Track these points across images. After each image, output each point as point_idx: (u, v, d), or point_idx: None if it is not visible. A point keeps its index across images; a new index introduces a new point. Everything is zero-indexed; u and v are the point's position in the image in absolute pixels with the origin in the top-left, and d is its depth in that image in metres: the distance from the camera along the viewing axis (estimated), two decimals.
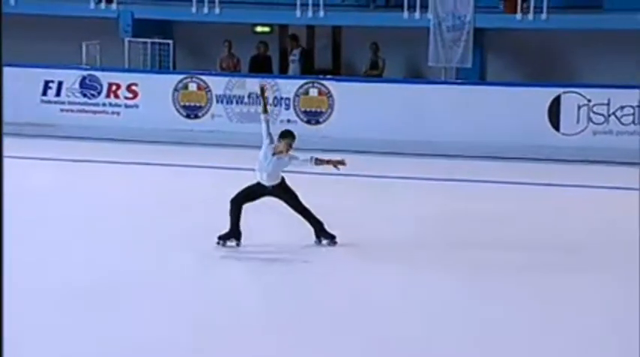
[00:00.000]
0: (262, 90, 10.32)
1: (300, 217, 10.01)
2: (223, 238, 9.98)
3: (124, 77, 17.57)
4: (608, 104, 16.32)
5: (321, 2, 17.85)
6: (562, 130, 16.40)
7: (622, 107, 16.25)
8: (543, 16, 17.22)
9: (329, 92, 17.23)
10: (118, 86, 17.46)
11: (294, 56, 18.75)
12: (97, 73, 17.60)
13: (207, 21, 18.47)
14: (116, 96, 17.48)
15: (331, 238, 10.09)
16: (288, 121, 17.22)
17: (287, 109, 17.25)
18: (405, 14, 17.74)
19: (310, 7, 17.88)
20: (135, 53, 18.40)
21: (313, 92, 17.28)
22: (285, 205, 10.03)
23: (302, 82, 17.45)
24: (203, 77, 17.56)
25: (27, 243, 9.75)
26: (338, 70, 19.73)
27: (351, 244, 10.35)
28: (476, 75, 18.22)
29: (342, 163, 10.16)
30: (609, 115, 16.31)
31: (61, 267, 9.33)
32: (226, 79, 17.59)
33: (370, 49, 18.48)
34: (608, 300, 8.67)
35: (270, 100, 10.20)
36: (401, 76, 18.83)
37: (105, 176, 13.83)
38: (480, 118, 16.44)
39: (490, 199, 12.94)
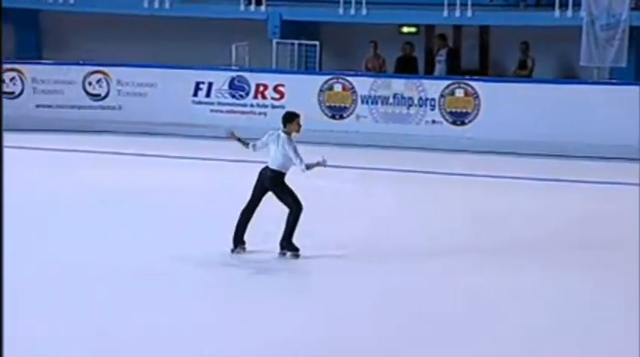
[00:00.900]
0: (232, 135, 9.64)
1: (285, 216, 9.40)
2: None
3: (272, 78, 17.85)
4: None
5: (469, 2, 17.60)
6: None
7: None
8: None
9: (475, 93, 16.98)
10: (266, 87, 17.76)
11: (441, 56, 18.57)
12: (246, 74, 17.95)
13: (353, 22, 18.54)
14: (263, 97, 17.78)
15: (295, 250, 9.43)
16: (433, 121, 17.09)
17: (432, 109, 17.11)
18: (557, 13, 17.29)
19: (458, 7, 17.66)
20: (282, 54, 18.66)
21: (459, 93, 17.07)
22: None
23: (448, 82, 17.27)
24: (348, 78, 17.63)
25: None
26: (485, 70, 19.42)
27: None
28: (631, 75, 17.54)
29: (323, 162, 9.88)
30: None
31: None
32: (371, 79, 17.61)
33: (520, 49, 18.08)
34: None
35: (242, 137, 9.64)
36: (551, 76, 18.36)
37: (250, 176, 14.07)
38: (636, 119, 15.80)
39: None
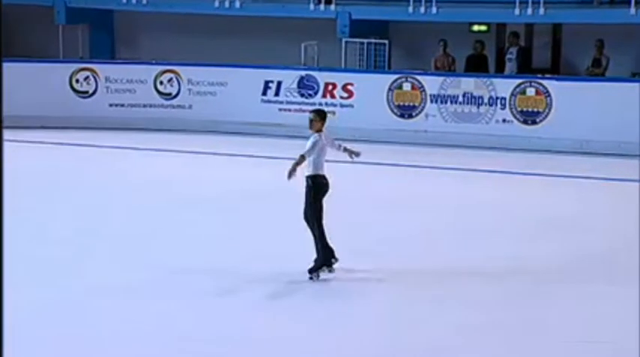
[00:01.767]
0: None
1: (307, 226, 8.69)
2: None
3: (340, 77, 17.83)
4: None
5: (541, 0, 17.34)
6: None
7: None
8: None
9: (547, 91, 16.73)
10: (334, 86, 17.76)
11: (511, 54, 18.34)
12: (315, 73, 17.97)
13: (423, 20, 18.41)
14: (332, 95, 17.78)
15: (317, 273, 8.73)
16: (504, 120, 16.89)
17: (502, 108, 16.91)
18: (632, 10, 16.91)
19: (530, 5, 17.41)
20: (351, 53, 18.64)
21: (530, 91, 16.84)
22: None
23: (519, 81, 17.05)
24: (417, 77, 17.53)
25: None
26: (556, 69, 19.12)
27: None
28: None
29: (357, 154, 9.30)
30: None
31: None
32: (441, 78, 17.48)
33: (595, 47, 17.75)
34: None
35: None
36: (626, 74, 17.97)
37: None
38: None
39: None
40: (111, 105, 18.46)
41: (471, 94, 17.09)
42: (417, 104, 17.41)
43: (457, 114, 17.17)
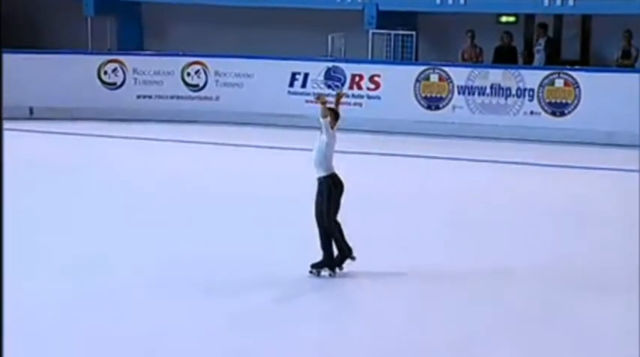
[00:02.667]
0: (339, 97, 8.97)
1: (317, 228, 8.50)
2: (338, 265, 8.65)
3: (367, 68, 17.80)
4: None
5: None
6: None
7: None
8: None
9: (576, 83, 16.60)
10: (361, 77, 17.72)
11: (540, 46, 18.21)
12: (341, 65, 17.94)
13: (451, 11, 18.32)
14: (359, 87, 17.75)
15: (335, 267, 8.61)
16: (532, 112, 16.79)
17: (530, 100, 16.81)
18: None
19: None
20: (378, 44, 18.59)
21: (559, 83, 16.71)
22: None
23: (547, 72, 16.93)
24: (445, 68, 17.45)
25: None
26: (586, 60, 18.95)
27: None
28: None
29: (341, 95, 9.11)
30: None
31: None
32: (468, 70, 17.39)
33: (623, 38, 17.58)
34: None
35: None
36: None
37: (347, 166, 14.08)
38: None
39: None
40: (138, 96, 18.54)
41: (499, 85, 16.99)
42: (444, 96, 17.33)
43: (484, 105, 17.08)
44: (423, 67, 17.63)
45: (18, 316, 7.02)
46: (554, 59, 18.32)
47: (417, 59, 18.59)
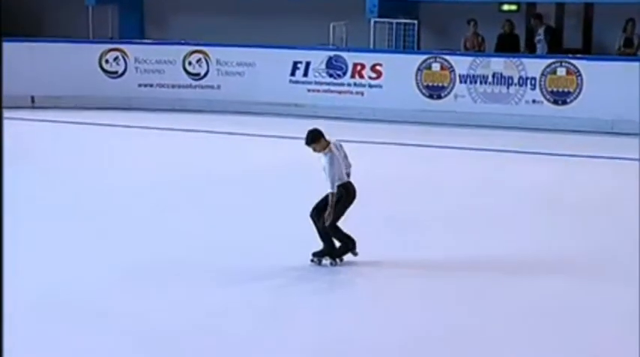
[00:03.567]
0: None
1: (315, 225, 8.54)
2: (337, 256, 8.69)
3: (369, 57, 17.76)
4: None
5: None
6: None
7: None
8: None
9: (578, 71, 16.57)
10: (363, 66, 17.68)
11: (540, 35, 18.18)
12: (343, 54, 17.90)
13: (453, 0, 18.28)
14: (360, 76, 17.72)
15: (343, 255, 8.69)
16: (534, 101, 16.77)
17: (532, 89, 16.78)
18: None
19: None
20: (380, 33, 18.55)
21: (561, 72, 16.69)
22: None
23: (549, 61, 16.89)
24: (447, 57, 17.42)
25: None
26: (588, 49, 18.93)
27: None
28: None
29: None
30: None
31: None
32: (470, 58, 17.35)
33: (625, 26, 17.55)
34: None
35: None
36: None
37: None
38: None
39: None
40: (140, 85, 18.52)
41: (501, 74, 16.97)
42: (446, 85, 17.31)
43: (487, 94, 17.06)
44: (424, 56, 17.60)
45: (22, 303, 7.04)
46: (556, 48, 18.29)
47: (418, 48, 18.56)
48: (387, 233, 9.76)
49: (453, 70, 17.25)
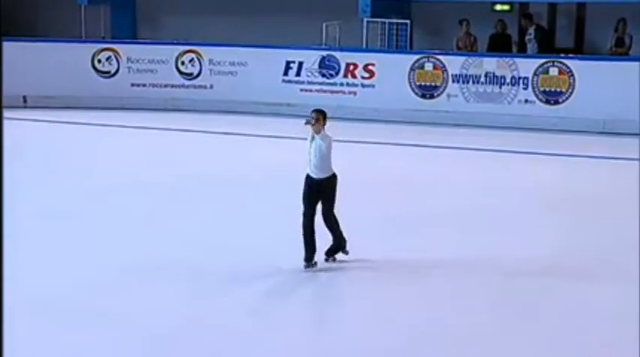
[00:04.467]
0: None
1: (324, 223, 8.48)
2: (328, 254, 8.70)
3: (362, 57, 17.77)
4: None
5: None
6: None
7: None
8: None
9: (570, 71, 16.61)
10: (356, 66, 17.70)
11: (530, 35, 18.22)
12: (336, 53, 17.91)
13: (445, 0, 18.30)
14: (353, 76, 17.73)
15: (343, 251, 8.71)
16: (526, 101, 16.80)
17: (525, 88, 16.82)
18: None
19: None
20: (373, 33, 18.56)
21: (553, 71, 16.72)
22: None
23: (541, 61, 16.93)
24: (439, 57, 17.45)
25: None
26: (580, 48, 18.97)
27: None
28: None
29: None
30: None
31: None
32: (463, 58, 17.38)
33: (617, 26, 17.60)
34: None
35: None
36: None
37: (342, 155, 14.08)
38: None
39: None
40: (132, 85, 18.51)
41: (493, 73, 17.00)
42: (438, 84, 17.33)
43: (479, 94, 17.10)
44: (417, 56, 17.62)
45: (20, 303, 7.04)
46: (548, 48, 18.33)
47: (411, 48, 18.58)
48: (382, 232, 9.77)
49: (446, 70, 17.28)
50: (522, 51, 18.50)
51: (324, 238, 8.55)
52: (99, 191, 11.59)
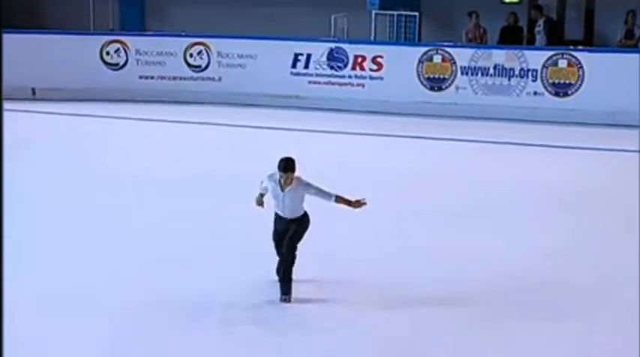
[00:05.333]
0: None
1: (284, 248, 7.67)
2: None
3: (370, 49, 17.73)
4: None
5: None
6: None
7: None
8: None
9: (579, 63, 16.55)
10: (364, 58, 17.66)
11: (539, 27, 18.16)
12: (344, 46, 17.87)
13: None
14: (361, 68, 17.69)
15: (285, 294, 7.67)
16: (535, 93, 16.75)
17: (534, 81, 16.76)
18: None
19: None
20: (381, 25, 18.54)
21: (562, 63, 16.66)
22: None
23: (550, 53, 16.87)
24: (448, 49, 17.40)
25: None
26: (589, 40, 18.90)
27: None
28: None
29: (362, 203, 7.72)
30: None
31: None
32: (472, 50, 17.32)
33: (626, 18, 17.52)
34: None
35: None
36: None
37: (349, 147, 14.08)
38: None
39: None
40: (141, 77, 18.51)
41: (502, 66, 16.95)
42: (447, 77, 17.29)
43: (488, 86, 17.05)
44: (426, 48, 17.57)
45: (34, 296, 7.05)
46: (557, 40, 18.26)
47: (420, 40, 18.55)
48: (387, 224, 9.74)
49: (454, 62, 17.23)
50: (531, 43, 18.45)
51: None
52: (107, 183, 11.60)
